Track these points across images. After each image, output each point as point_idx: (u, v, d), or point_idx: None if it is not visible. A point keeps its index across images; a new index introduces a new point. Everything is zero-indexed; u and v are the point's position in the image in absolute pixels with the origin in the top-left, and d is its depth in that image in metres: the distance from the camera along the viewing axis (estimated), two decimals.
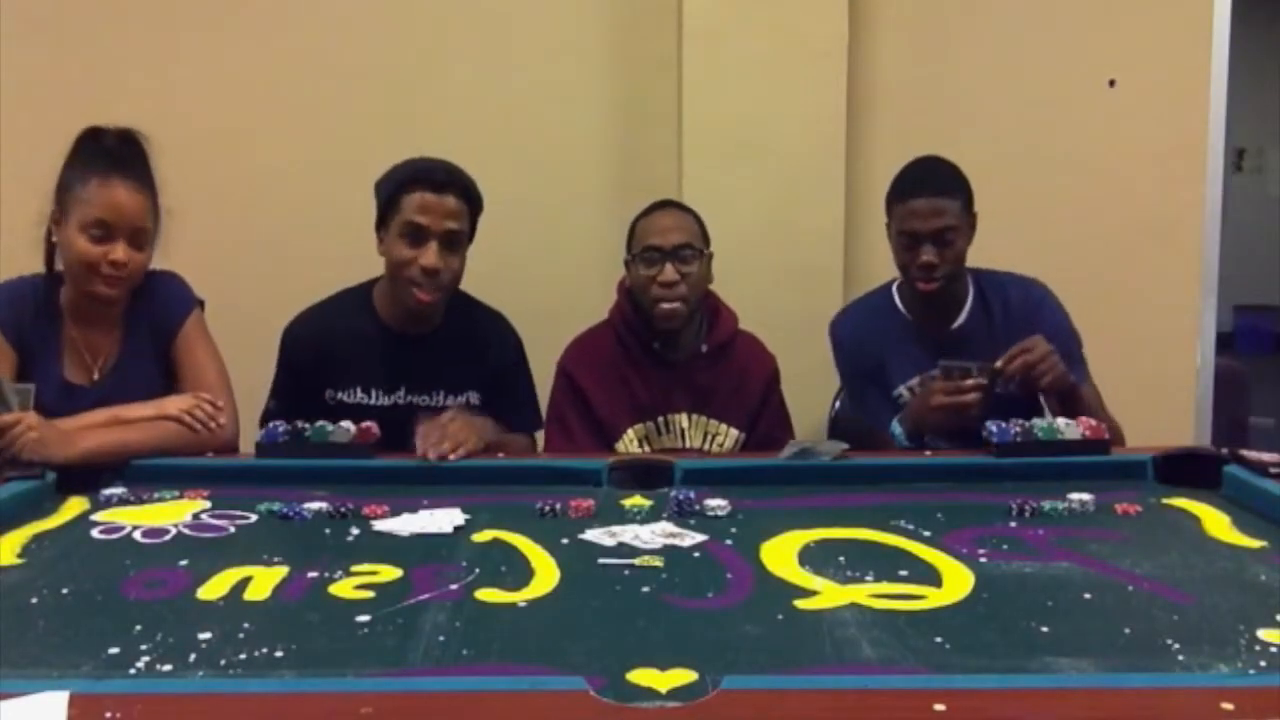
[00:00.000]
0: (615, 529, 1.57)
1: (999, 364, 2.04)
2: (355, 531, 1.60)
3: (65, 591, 1.35)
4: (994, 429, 1.92)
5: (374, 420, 1.95)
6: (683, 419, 2.29)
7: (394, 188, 2.11)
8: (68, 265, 1.97)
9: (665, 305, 2.20)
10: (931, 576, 1.39)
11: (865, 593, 1.33)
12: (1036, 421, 1.94)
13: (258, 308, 2.25)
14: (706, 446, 2.28)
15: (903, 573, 1.40)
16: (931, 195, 2.17)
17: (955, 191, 2.20)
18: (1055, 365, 2.05)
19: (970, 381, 2.03)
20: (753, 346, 2.37)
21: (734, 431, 2.29)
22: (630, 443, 2.25)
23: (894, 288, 2.35)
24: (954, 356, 2.10)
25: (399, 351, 2.18)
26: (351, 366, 2.16)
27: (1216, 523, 1.62)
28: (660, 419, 2.28)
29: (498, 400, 2.22)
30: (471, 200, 2.15)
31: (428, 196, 2.08)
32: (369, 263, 2.20)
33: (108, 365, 2.04)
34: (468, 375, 2.21)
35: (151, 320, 2.07)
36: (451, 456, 1.88)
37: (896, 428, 2.16)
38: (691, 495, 1.69)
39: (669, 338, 2.27)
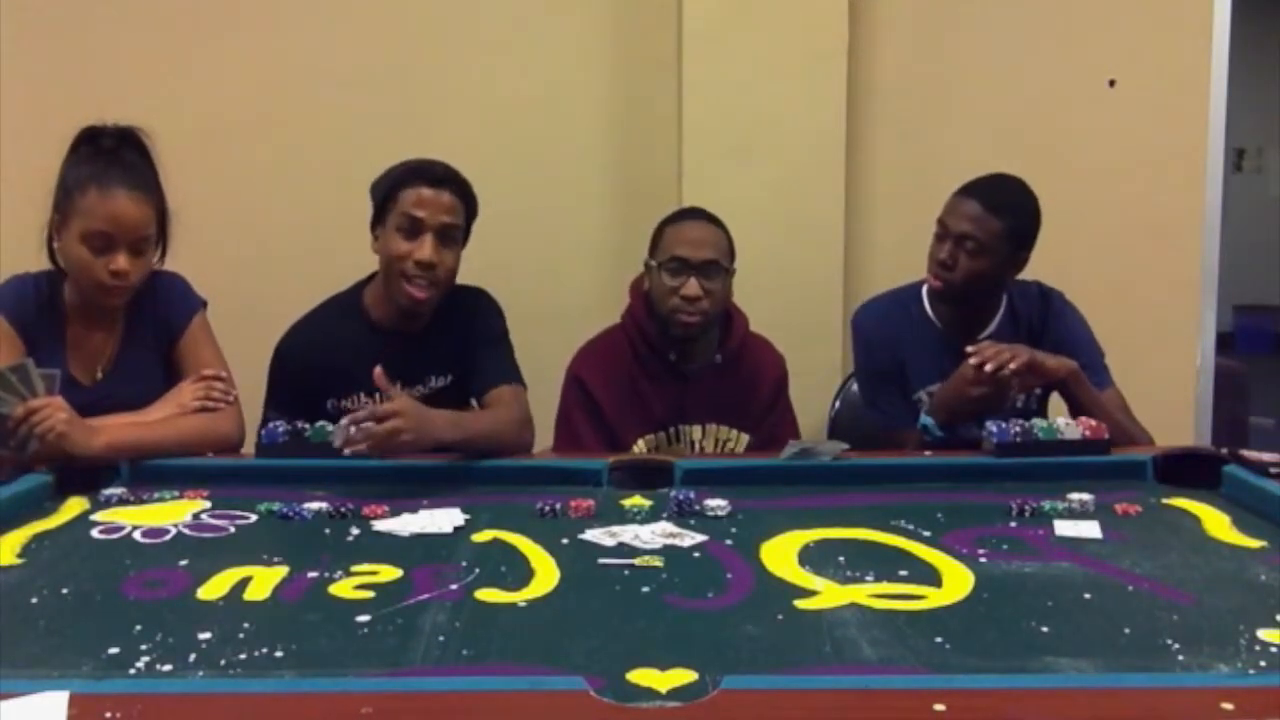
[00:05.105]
0: (615, 529, 1.57)
1: (972, 361, 2.01)
2: (355, 531, 1.60)
3: (65, 591, 1.35)
4: (994, 429, 1.92)
5: None
6: (695, 430, 2.26)
7: (391, 184, 2.10)
8: (69, 272, 1.97)
9: (684, 318, 2.17)
10: (931, 576, 1.39)
11: (865, 593, 1.33)
12: (1036, 421, 1.94)
13: (258, 307, 2.25)
14: (719, 452, 2.26)
15: (903, 573, 1.40)
16: (976, 202, 2.15)
17: (1002, 213, 2.15)
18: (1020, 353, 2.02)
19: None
20: (762, 349, 2.36)
21: (745, 436, 2.28)
22: (640, 451, 2.23)
23: (924, 289, 2.32)
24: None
25: (393, 350, 2.15)
26: (349, 373, 2.12)
27: (1216, 523, 1.62)
28: (672, 429, 2.26)
29: (477, 359, 2.16)
30: (468, 200, 2.13)
31: (424, 191, 2.07)
32: (369, 262, 2.20)
33: (109, 364, 2.03)
34: (452, 352, 2.17)
35: (155, 320, 2.06)
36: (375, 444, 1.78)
37: (927, 419, 2.11)
38: (691, 495, 1.69)
39: (684, 348, 2.24)
